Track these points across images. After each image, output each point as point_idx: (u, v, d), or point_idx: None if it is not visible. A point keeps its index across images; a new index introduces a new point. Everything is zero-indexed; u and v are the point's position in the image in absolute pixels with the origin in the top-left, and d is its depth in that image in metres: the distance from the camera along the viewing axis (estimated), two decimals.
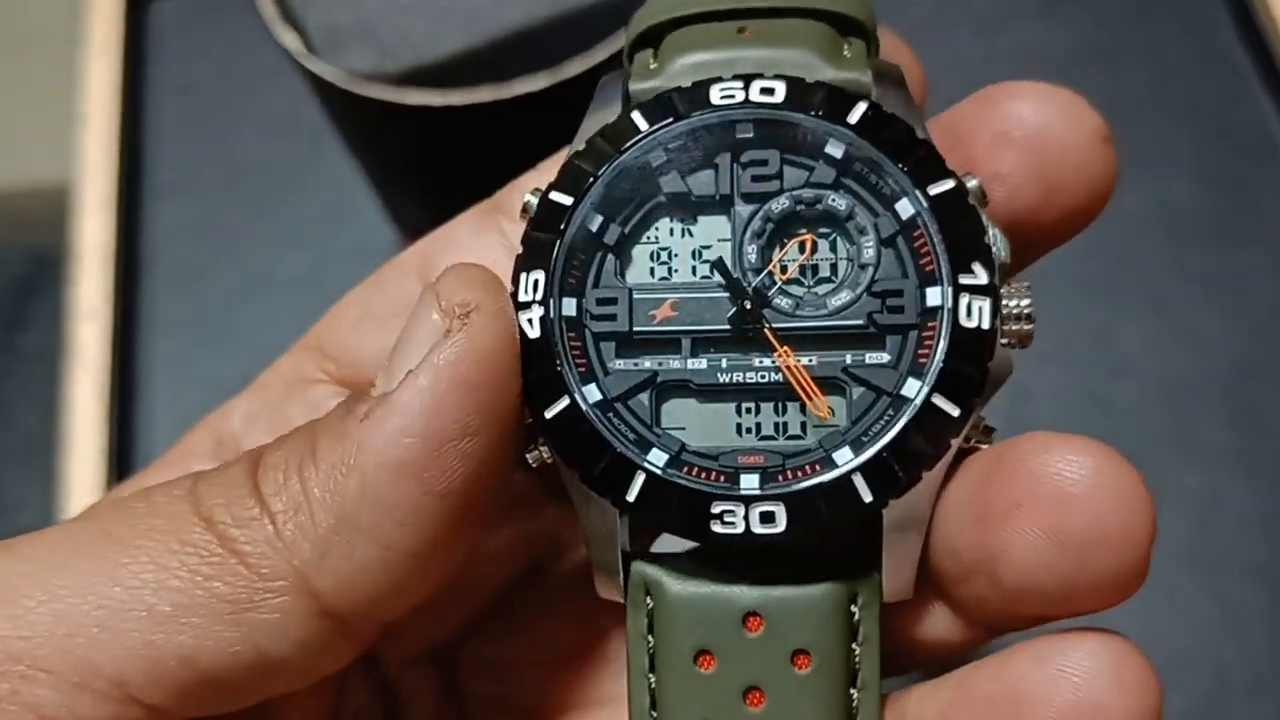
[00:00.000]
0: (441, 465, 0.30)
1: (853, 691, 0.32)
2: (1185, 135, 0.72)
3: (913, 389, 0.32)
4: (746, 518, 0.32)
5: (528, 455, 0.33)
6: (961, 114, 0.34)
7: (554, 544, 0.40)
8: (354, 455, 0.30)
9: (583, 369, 0.33)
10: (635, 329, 0.33)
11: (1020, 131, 0.33)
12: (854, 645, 0.33)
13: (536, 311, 0.33)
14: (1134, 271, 0.69)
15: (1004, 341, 0.32)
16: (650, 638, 0.33)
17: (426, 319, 0.31)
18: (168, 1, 0.84)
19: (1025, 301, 0.32)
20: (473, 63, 0.52)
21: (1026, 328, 0.32)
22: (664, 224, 0.34)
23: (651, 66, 0.35)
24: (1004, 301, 0.32)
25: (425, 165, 0.56)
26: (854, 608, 0.33)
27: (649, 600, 0.33)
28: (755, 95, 0.33)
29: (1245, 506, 0.64)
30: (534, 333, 0.32)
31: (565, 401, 0.32)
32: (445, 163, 0.55)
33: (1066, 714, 0.30)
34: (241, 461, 0.32)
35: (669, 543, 0.34)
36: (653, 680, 0.33)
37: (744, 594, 0.33)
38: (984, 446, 0.32)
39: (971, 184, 0.32)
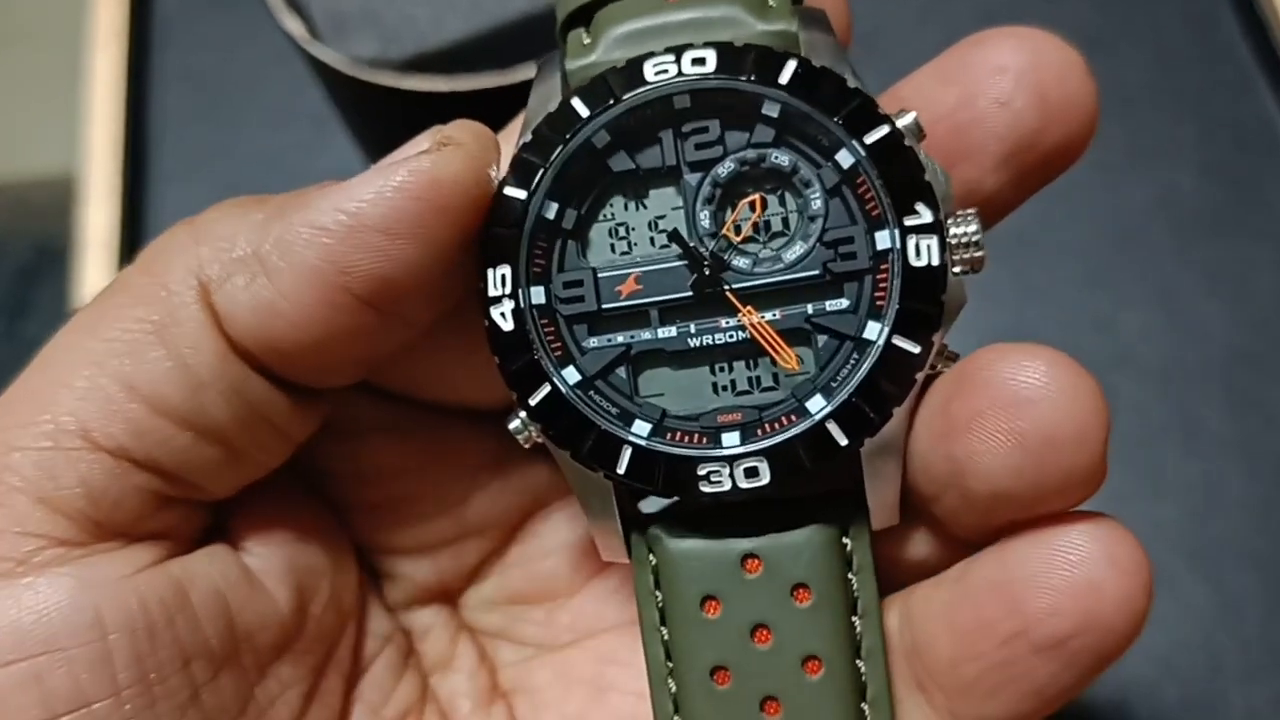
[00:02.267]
0: (353, 246, 0.32)
1: (854, 620, 0.34)
2: (1187, 126, 0.72)
3: (874, 331, 0.33)
4: (732, 475, 0.33)
5: (519, 436, 0.35)
6: (952, 57, 0.36)
7: (551, 490, 0.41)
8: (292, 209, 0.33)
9: (559, 353, 0.34)
10: (604, 306, 0.35)
11: (1015, 60, 0.34)
12: (850, 575, 0.34)
13: (508, 305, 0.34)
14: (1136, 261, 0.70)
15: (956, 271, 0.33)
16: (657, 593, 0.35)
17: (418, 142, 0.33)
18: None
19: (972, 229, 0.33)
20: (477, 49, 0.52)
21: (977, 254, 0.33)
22: (618, 201, 0.35)
23: (585, 42, 0.36)
24: (951, 232, 0.33)
25: None
26: (845, 540, 0.34)
27: (652, 558, 0.35)
28: (687, 67, 0.33)
29: (1245, 495, 0.64)
30: (508, 325, 0.34)
31: (547, 388, 0.34)
32: None
33: (1063, 593, 0.31)
34: (189, 218, 0.35)
35: (664, 501, 0.35)
36: (664, 633, 0.35)
37: (740, 541, 0.34)
38: (948, 370, 0.33)
39: (906, 120, 0.33)
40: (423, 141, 0.33)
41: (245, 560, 0.36)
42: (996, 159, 0.35)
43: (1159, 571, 0.62)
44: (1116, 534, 0.32)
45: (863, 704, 0.34)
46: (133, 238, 0.76)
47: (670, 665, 0.35)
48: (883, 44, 0.74)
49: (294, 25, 0.53)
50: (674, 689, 0.35)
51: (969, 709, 0.33)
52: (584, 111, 0.34)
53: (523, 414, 0.34)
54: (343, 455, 0.39)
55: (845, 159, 0.33)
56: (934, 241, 0.33)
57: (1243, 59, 0.74)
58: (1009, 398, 0.31)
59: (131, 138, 0.78)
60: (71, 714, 0.31)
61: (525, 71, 0.50)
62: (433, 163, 0.32)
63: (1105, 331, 0.68)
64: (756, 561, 0.34)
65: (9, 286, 0.81)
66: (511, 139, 0.36)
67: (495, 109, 0.51)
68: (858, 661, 0.34)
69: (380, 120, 0.57)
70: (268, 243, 0.33)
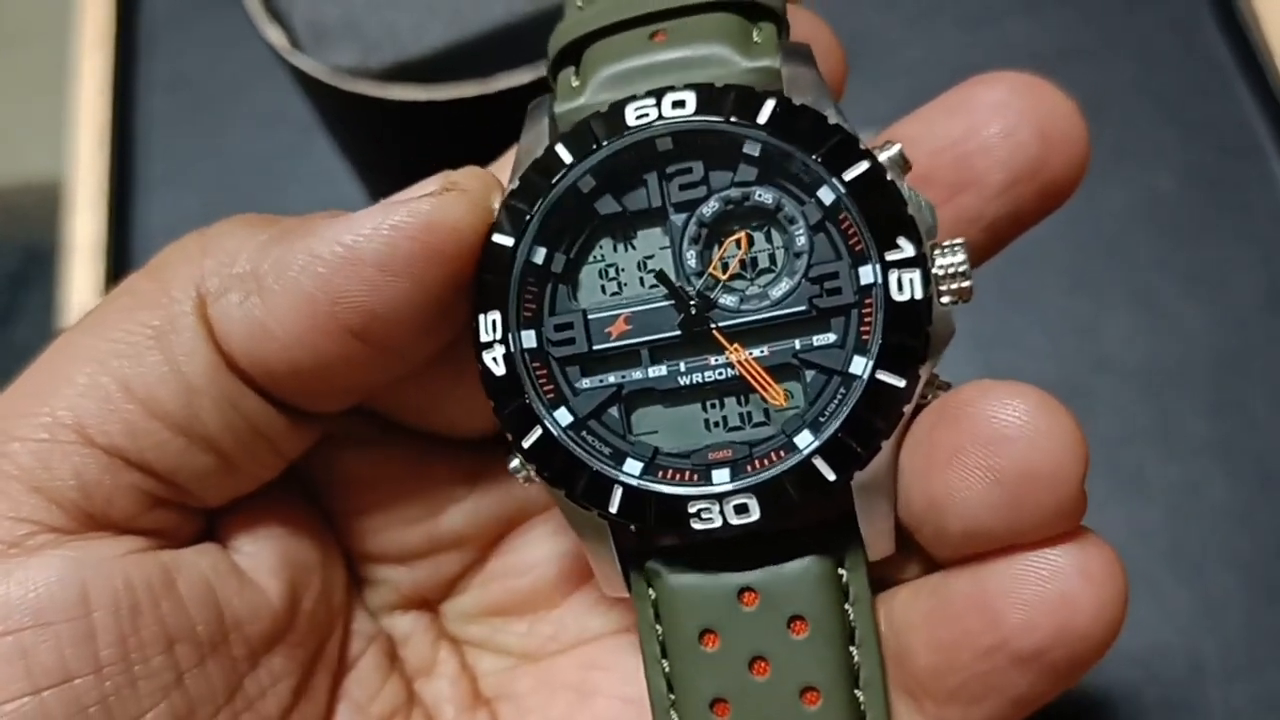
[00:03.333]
0: (346, 278, 0.33)
1: (852, 649, 0.34)
2: (1168, 130, 0.73)
3: (859, 366, 0.33)
4: (722, 512, 0.33)
5: (518, 475, 0.35)
6: (958, 93, 0.37)
7: (530, 506, 0.41)
8: (296, 234, 0.34)
9: (551, 395, 0.35)
10: (595, 348, 0.35)
11: (1016, 99, 0.35)
12: (847, 606, 0.34)
13: (499, 350, 0.34)
14: (1117, 264, 0.70)
15: (945, 301, 0.33)
16: (658, 627, 0.35)
17: (424, 185, 0.34)
18: None
19: (959, 259, 0.33)
20: (457, 58, 0.52)
21: (964, 284, 0.33)
22: (606, 243, 0.35)
23: (574, 84, 0.36)
24: (938, 262, 0.33)
25: (411, 159, 0.57)
26: (841, 570, 0.34)
27: (651, 592, 0.35)
28: (668, 110, 0.34)
29: (1225, 498, 0.64)
30: (500, 370, 0.34)
31: (539, 431, 0.34)
32: (430, 156, 0.55)
33: (1037, 608, 0.31)
34: (202, 228, 0.36)
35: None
36: (666, 666, 0.35)
37: (737, 575, 0.34)
38: (936, 399, 0.34)
39: (890, 154, 0.33)
40: (430, 184, 0.34)
41: (235, 556, 0.37)
42: (998, 188, 0.36)
43: (1140, 574, 0.62)
44: (1089, 545, 0.32)
45: None
46: (120, 242, 0.76)
47: (672, 697, 0.35)
48: (868, 54, 0.74)
49: (275, 35, 0.53)
50: None
51: (954, 714, 0.33)
52: (568, 158, 0.34)
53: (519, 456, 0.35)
54: (321, 463, 0.39)
55: (826, 195, 0.33)
56: (916, 275, 0.33)
57: (1223, 63, 0.74)
58: (988, 435, 0.31)
59: (118, 143, 0.79)
60: (54, 688, 0.31)
61: (505, 80, 0.50)
62: (432, 206, 0.33)
63: (1086, 335, 0.68)
64: (753, 595, 0.34)
65: None
66: (503, 173, 0.36)
67: (475, 118, 0.51)
68: (856, 691, 0.34)
69: (362, 129, 0.58)
70: (266, 263, 0.33)
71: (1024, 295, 0.69)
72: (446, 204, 0.33)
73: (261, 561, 0.37)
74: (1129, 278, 0.70)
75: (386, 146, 0.58)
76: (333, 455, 0.39)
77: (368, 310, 0.33)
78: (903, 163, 0.33)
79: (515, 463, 0.35)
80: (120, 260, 0.76)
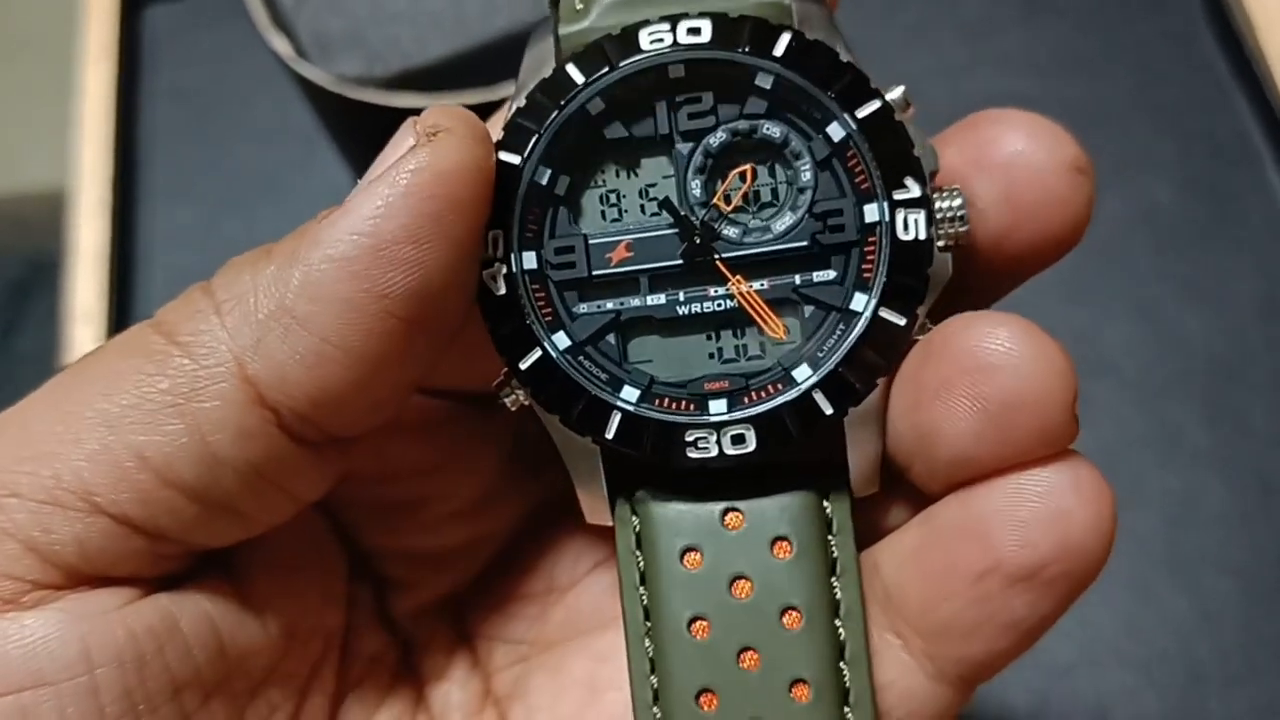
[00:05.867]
0: (384, 266, 0.30)
1: (833, 580, 0.34)
2: (1166, 139, 0.73)
3: (860, 303, 0.34)
4: (719, 441, 0.34)
5: (505, 399, 0.35)
6: (947, 137, 0.36)
7: (552, 499, 0.41)
8: (303, 248, 0.31)
9: (549, 318, 0.34)
10: (594, 273, 0.35)
11: (991, 157, 0.34)
12: (830, 537, 0.35)
13: (500, 269, 0.34)
14: (1115, 273, 0.70)
15: (940, 245, 0.33)
16: (638, 553, 0.35)
17: (401, 142, 0.32)
18: (162, 8, 0.85)
19: (957, 202, 0.33)
20: (460, 68, 0.53)
21: (961, 229, 0.33)
22: (610, 168, 0.35)
23: (578, 8, 0.35)
24: (937, 205, 0.33)
25: None
26: (825, 504, 0.35)
27: (635, 520, 0.35)
28: (683, 37, 0.34)
29: (1223, 507, 0.64)
30: (500, 289, 0.34)
31: (538, 353, 0.34)
32: None
33: (1031, 524, 0.31)
34: (202, 282, 0.33)
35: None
36: (643, 593, 0.35)
37: (723, 501, 0.35)
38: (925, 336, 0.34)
39: (895, 95, 0.34)
40: (406, 138, 0.32)
41: (236, 584, 0.35)
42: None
43: (1138, 581, 0.63)
44: (1078, 464, 0.32)
45: (841, 663, 0.34)
46: (124, 252, 0.77)
47: (649, 625, 0.35)
48: (867, 64, 0.75)
49: (281, 45, 0.54)
50: (650, 649, 0.35)
51: (947, 651, 0.33)
52: (579, 78, 0.34)
53: (512, 379, 0.35)
54: (367, 453, 0.38)
55: (836, 132, 0.34)
56: (921, 216, 0.33)
57: (1220, 74, 0.75)
58: (973, 364, 0.32)
59: (122, 153, 0.79)
60: None
61: (508, 89, 0.51)
62: (431, 155, 0.31)
63: (1085, 343, 0.69)
64: (738, 516, 0.35)
65: (1, 301, 0.81)
66: (496, 124, 0.36)
67: None
68: (836, 621, 0.34)
69: (366, 137, 0.58)
70: (289, 292, 0.31)
71: (1022, 304, 0.69)
72: (443, 148, 0.31)
73: (263, 586, 0.36)
74: (1127, 286, 0.70)
75: None
76: (377, 444, 0.38)
77: (413, 291, 0.31)
78: (905, 104, 0.34)
79: (503, 384, 0.35)
80: (124, 269, 0.76)
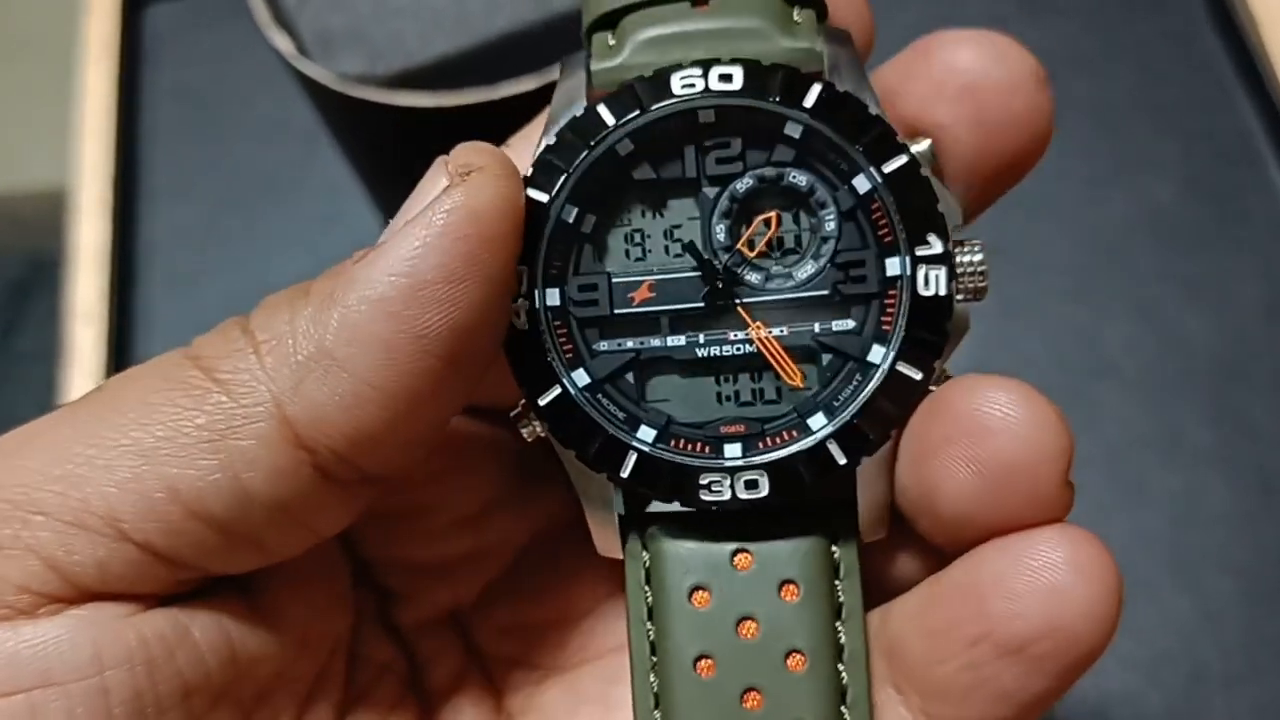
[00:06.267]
0: (422, 306, 0.31)
1: (838, 624, 0.35)
2: (1168, 139, 0.73)
3: (878, 355, 0.34)
4: (732, 486, 0.34)
5: (522, 430, 0.35)
6: (897, 67, 0.36)
7: (561, 514, 0.41)
8: (340, 290, 0.31)
9: (570, 355, 0.35)
10: (616, 311, 0.35)
11: (953, 80, 0.34)
12: (836, 581, 0.35)
13: (523, 304, 0.34)
14: (1118, 273, 0.70)
15: (959, 298, 0.34)
16: (647, 588, 0.35)
17: (434, 182, 0.32)
18: (162, 6, 0.85)
19: (978, 257, 0.34)
20: (462, 65, 0.53)
21: (981, 284, 0.34)
22: (636, 208, 0.35)
23: (610, 44, 0.36)
24: (958, 260, 0.34)
25: (416, 166, 0.57)
26: (834, 549, 0.35)
27: (645, 554, 0.36)
28: (714, 83, 0.34)
29: (1226, 507, 0.64)
30: (523, 323, 0.34)
31: (557, 390, 0.34)
32: None
33: (1025, 597, 0.31)
34: (237, 317, 0.33)
35: (660, 503, 0.35)
36: (650, 629, 0.35)
37: (733, 542, 0.35)
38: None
39: (922, 148, 0.34)
40: (438, 178, 0.32)
41: (248, 592, 0.35)
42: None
43: (1141, 581, 0.63)
44: (1083, 541, 0.32)
45: (842, 707, 0.34)
46: (124, 251, 0.77)
47: (654, 660, 0.35)
48: (867, 63, 0.75)
49: (283, 42, 0.54)
50: (655, 685, 0.35)
51: (942, 712, 0.33)
52: (610, 119, 0.34)
53: (530, 411, 0.35)
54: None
55: (862, 184, 0.34)
56: (943, 272, 0.33)
57: (1223, 73, 0.75)
58: (973, 427, 0.32)
59: (123, 152, 0.79)
60: None
61: (510, 88, 0.51)
62: (465, 195, 0.31)
63: (1088, 344, 0.69)
64: (748, 557, 0.35)
65: (2, 300, 0.81)
66: (531, 138, 0.36)
67: (481, 124, 0.52)
68: (839, 666, 0.34)
69: (368, 135, 0.58)
70: (328, 334, 0.31)
71: (1025, 304, 0.70)
72: (476, 187, 0.31)
73: (275, 593, 0.36)
74: (1130, 286, 0.70)
75: (392, 153, 0.58)
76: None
77: (453, 328, 0.31)
78: (932, 158, 0.34)
79: (521, 416, 0.35)
80: (124, 268, 0.76)
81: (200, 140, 0.80)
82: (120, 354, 0.74)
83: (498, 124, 0.51)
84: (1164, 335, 0.69)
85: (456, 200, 0.31)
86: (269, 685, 0.35)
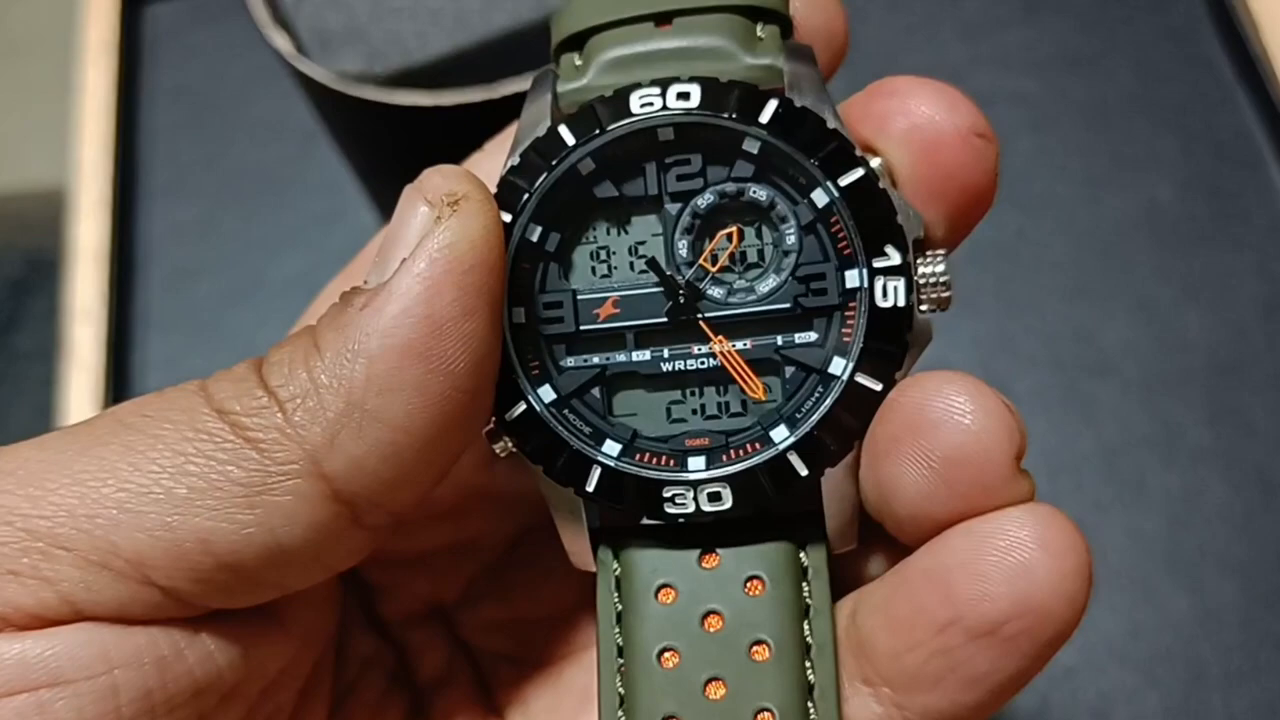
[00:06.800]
0: (444, 344, 0.31)
1: (805, 623, 0.35)
2: (1167, 138, 0.73)
3: (839, 367, 0.34)
4: (696, 498, 0.34)
5: (495, 446, 0.35)
6: (854, 104, 0.35)
7: (543, 510, 0.41)
8: (357, 341, 0.31)
9: (536, 371, 0.35)
10: (582, 328, 0.35)
11: (892, 128, 0.34)
12: (804, 582, 0.35)
13: None
14: (1117, 272, 0.70)
15: (923, 309, 0.34)
16: (616, 594, 0.36)
17: (415, 212, 0.32)
18: (162, 6, 0.85)
19: (940, 268, 0.34)
20: (461, 64, 0.53)
21: (944, 294, 0.34)
22: (600, 225, 0.36)
23: (577, 64, 0.36)
24: (919, 270, 0.34)
25: (415, 165, 0.57)
26: (802, 555, 0.35)
27: (616, 564, 0.36)
28: (672, 101, 0.34)
29: (1225, 504, 0.64)
30: None
31: (523, 405, 0.35)
32: (434, 162, 0.55)
33: (993, 578, 0.31)
34: (246, 363, 0.33)
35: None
36: (618, 632, 0.35)
37: (701, 547, 0.35)
38: None
39: (877, 163, 0.34)
40: (417, 206, 0.32)
41: None
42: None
43: (1140, 580, 0.63)
44: (1049, 518, 0.31)
45: (810, 701, 0.34)
46: (123, 250, 0.77)
47: (621, 661, 0.35)
48: (868, 62, 0.75)
49: (281, 41, 0.54)
50: (621, 685, 0.35)
51: (914, 702, 0.33)
52: (570, 140, 0.35)
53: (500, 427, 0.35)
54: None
55: (820, 198, 0.34)
56: (901, 283, 0.33)
57: (1222, 72, 0.75)
58: (919, 423, 0.32)
59: (121, 151, 0.79)
60: None
61: (509, 86, 0.50)
62: (462, 225, 0.31)
63: (1086, 342, 0.69)
64: (715, 558, 0.35)
65: (1, 298, 0.82)
66: (502, 149, 0.36)
67: (480, 123, 0.52)
68: (806, 661, 0.34)
69: (366, 134, 0.58)
70: (356, 386, 0.31)
71: (1024, 302, 0.70)
72: (469, 216, 0.32)
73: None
74: (1129, 285, 0.70)
75: (390, 152, 0.58)
76: None
77: (472, 361, 0.31)
78: (887, 173, 0.34)
79: (494, 432, 0.35)
80: (123, 267, 0.76)
81: (199, 139, 0.80)
82: (119, 352, 0.74)
83: (496, 123, 0.51)
84: (1163, 334, 0.68)
85: (457, 232, 0.31)
86: (275, 681, 0.35)
